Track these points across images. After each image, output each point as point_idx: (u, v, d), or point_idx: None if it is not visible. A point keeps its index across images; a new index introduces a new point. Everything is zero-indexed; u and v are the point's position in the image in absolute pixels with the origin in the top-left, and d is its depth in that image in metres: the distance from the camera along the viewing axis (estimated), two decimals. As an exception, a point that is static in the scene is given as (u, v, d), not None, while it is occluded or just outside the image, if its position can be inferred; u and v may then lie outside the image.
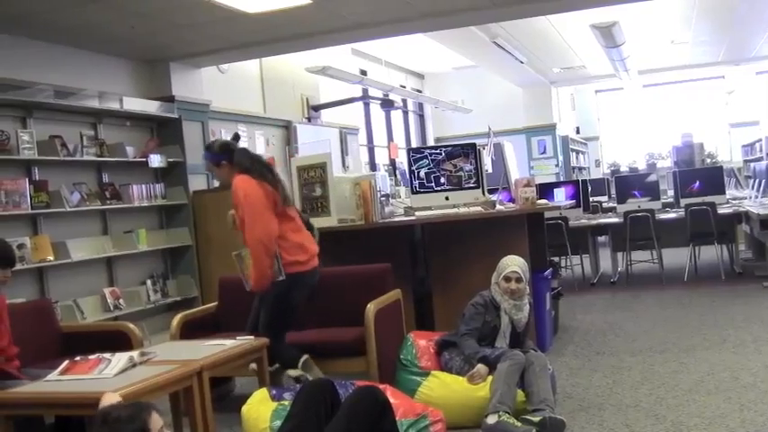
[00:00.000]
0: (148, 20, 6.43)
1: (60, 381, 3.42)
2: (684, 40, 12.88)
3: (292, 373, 4.35)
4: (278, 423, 3.40)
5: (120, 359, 3.49)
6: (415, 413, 3.68)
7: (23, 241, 5.99)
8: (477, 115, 15.36)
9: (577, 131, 18.53)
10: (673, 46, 13.35)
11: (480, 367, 4.16)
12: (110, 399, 2.41)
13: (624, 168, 17.10)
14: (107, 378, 3.34)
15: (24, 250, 5.94)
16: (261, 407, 3.71)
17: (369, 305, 4.46)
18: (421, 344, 4.56)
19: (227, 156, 4.45)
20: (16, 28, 6.16)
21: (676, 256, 9.22)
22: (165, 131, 7.86)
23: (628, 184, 9.58)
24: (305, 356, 4.36)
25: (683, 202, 8.83)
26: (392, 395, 3.58)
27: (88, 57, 7.06)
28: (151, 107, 7.58)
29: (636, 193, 9.25)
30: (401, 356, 4.49)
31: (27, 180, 6.11)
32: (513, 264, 4.47)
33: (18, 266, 4.75)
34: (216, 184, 7.87)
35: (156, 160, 7.44)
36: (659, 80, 17.34)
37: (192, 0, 5.96)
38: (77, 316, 6.38)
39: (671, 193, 10.47)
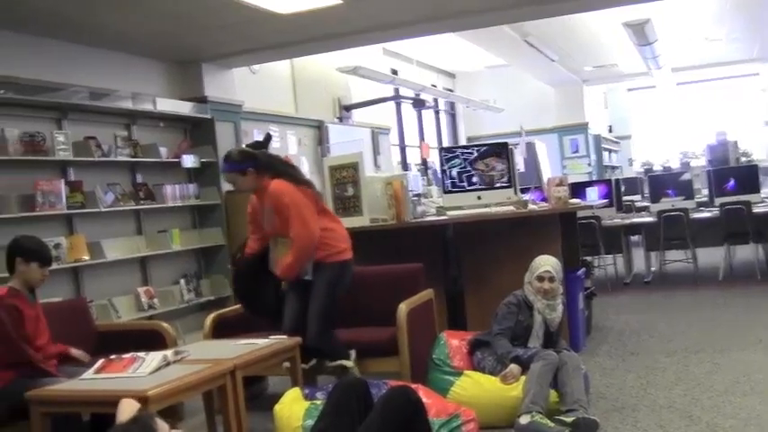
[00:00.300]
0: (180, 21, 6.48)
1: (95, 379, 3.46)
2: (718, 36, 12.70)
3: (347, 363, 4.37)
4: (310, 422, 3.41)
5: (154, 358, 3.53)
6: (448, 413, 3.66)
7: (59, 241, 6.04)
8: (509, 114, 15.27)
9: (610, 130, 18.39)
10: (706, 43, 13.17)
11: (513, 367, 4.14)
12: (127, 405, 2.39)
13: (657, 167, 16.87)
14: (141, 377, 3.37)
15: (60, 250, 5.99)
16: (294, 406, 3.72)
17: (401, 305, 4.43)
18: (453, 343, 4.54)
19: (251, 162, 4.41)
20: (50, 31, 6.23)
21: (711, 256, 9.10)
22: (197, 132, 7.91)
23: (661, 182, 9.53)
24: (353, 351, 4.43)
25: (718, 201, 8.74)
26: (425, 395, 3.56)
27: (122, 58, 7.12)
28: (184, 108, 7.64)
29: (669, 192, 9.19)
30: (433, 356, 4.47)
31: (63, 181, 6.17)
32: (546, 263, 4.45)
33: (54, 266, 4.80)
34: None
35: (188, 161, 7.49)
36: (693, 78, 17.12)
37: (222, 1, 5.97)
38: (112, 315, 6.43)
39: (705, 191, 10.34)
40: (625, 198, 10.56)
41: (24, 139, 5.88)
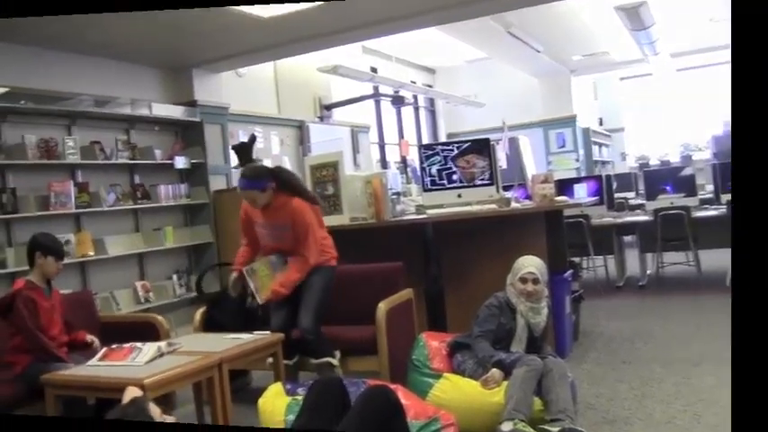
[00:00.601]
0: (171, 29, 6.68)
1: (98, 366, 3.76)
2: (724, 16, 11.29)
3: (334, 361, 4.51)
4: (291, 417, 3.45)
5: (150, 348, 3.80)
6: (427, 415, 3.53)
7: (69, 237, 6.51)
8: (491, 109, 14.69)
9: (600, 123, 17.47)
10: (711, 24, 11.92)
11: (495, 371, 3.95)
12: (132, 391, 2.56)
13: (654, 161, 16.10)
14: (138, 366, 3.64)
15: (69, 246, 6.42)
16: (276, 401, 3.75)
17: (380, 304, 4.44)
18: (433, 345, 4.39)
19: (270, 179, 4.55)
20: (60, 44, 6.62)
21: (717, 259, 8.25)
22: (188, 134, 8.20)
23: (658, 178, 8.92)
24: (338, 351, 4.58)
25: (725, 197, 8.14)
26: (404, 396, 3.49)
27: (121, 66, 7.47)
28: (176, 112, 7.95)
29: (668, 188, 8.63)
30: (413, 357, 4.34)
31: (72, 182, 6.63)
32: (530, 264, 4.27)
33: (65, 260, 5.05)
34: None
35: (180, 162, 7.80)
36: (695, 63, 15.62)
37: (208, 9, 6.07)
38: (113, 307, 6.83)
39: (710, 188, 9.68)
40: (617, 195, 10.09)
41: (41, 145, 6.39)
